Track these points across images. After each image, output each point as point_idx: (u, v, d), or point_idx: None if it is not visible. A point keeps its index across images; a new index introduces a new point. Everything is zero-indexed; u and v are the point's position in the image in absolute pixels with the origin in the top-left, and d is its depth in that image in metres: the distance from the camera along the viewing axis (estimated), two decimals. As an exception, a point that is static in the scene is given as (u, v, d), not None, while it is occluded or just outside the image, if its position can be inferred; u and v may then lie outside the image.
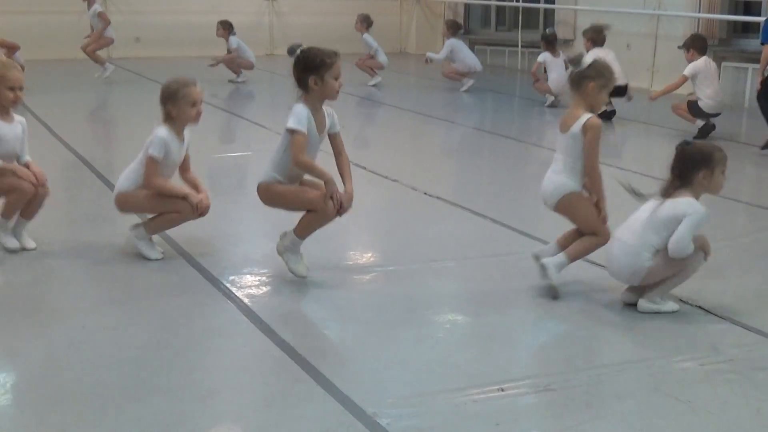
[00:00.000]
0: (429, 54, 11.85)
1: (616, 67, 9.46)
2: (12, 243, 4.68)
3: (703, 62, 8.30)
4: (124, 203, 4.64)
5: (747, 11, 11.33)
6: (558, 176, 4.25)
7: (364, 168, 6.71)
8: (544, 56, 10.19)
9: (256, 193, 4.37)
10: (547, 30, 11.23)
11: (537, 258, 4.29)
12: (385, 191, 6.35)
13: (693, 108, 8.35)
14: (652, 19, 11.78)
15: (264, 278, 4.37)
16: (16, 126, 4.67)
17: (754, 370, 3.42)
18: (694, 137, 7.94)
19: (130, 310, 3.95)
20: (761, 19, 10.82)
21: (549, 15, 14.38)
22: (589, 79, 4.19)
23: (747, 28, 11.34)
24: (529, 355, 3.61)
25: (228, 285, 4.23)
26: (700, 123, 8.40)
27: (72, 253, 4.69)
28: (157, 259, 4.56)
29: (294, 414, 3.01)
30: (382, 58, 12.36)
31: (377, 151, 8.29)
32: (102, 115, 10.32)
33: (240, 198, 5.87)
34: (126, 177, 4.62)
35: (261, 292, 4.21)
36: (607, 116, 9.45)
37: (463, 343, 3.75)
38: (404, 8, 17.41)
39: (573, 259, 4.24)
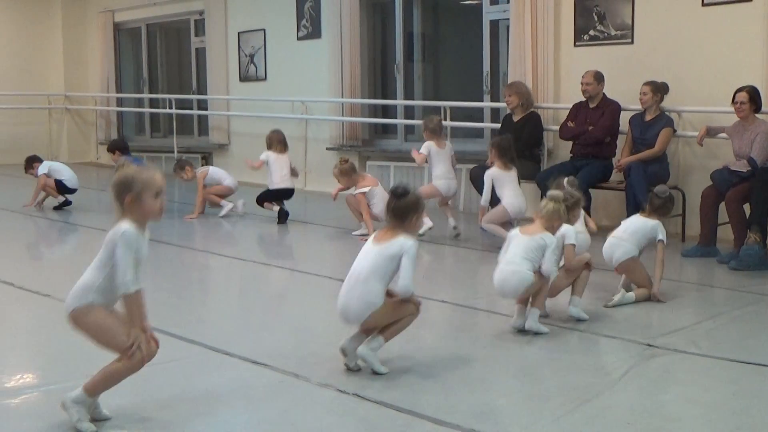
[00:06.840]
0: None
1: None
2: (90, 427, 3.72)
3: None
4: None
5: (385, 114, 12.31)
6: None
7: (13, 285, 6.39)
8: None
9: None
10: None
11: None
12: (36, 308, 6.07)
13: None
14: (300, 123, 12.43)
15: None
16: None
17: (406, 450, 3.63)
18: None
19: None
20: (398, 121, 11.84)
21: (203, 121, 14.64)
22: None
23: (386, 130, 12.30)
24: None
25: None
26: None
27: None
28: None
29: None
30: None
31: (25, 263, 7.94)
32: None
33: None
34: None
35: None
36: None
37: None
38: (54, 117, 16.78)
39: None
